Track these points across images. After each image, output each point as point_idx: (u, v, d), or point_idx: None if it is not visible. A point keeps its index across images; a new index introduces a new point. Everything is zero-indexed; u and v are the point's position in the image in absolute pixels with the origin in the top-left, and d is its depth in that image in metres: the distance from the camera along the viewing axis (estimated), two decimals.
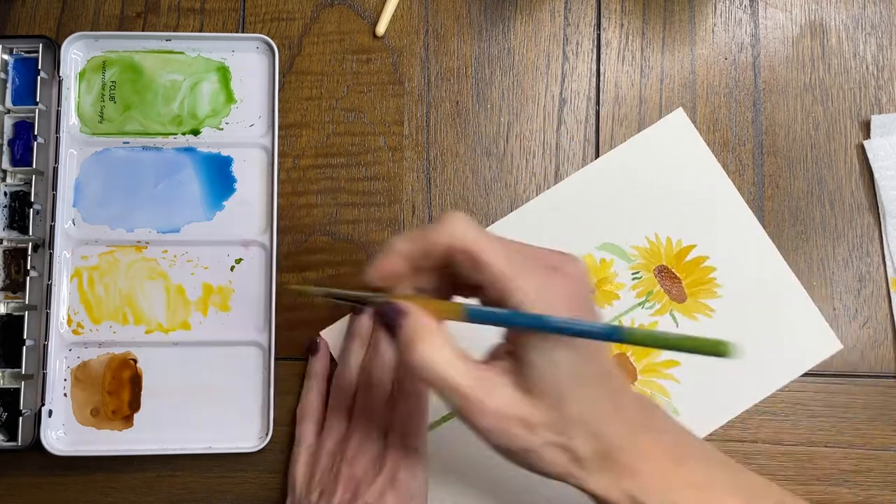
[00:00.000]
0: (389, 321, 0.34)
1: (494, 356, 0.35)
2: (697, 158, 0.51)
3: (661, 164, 0.51)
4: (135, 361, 0.50)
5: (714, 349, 0.28)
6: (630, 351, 0.50)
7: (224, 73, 0.52)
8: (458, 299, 0.36)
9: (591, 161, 0.52)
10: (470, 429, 0.34)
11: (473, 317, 0.34)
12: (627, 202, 0.51)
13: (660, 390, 0.49)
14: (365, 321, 0.49)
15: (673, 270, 0.50)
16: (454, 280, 0.35)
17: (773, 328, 0.50)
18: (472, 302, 0.35)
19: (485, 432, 0.34)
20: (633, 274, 0.50)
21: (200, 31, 0.53)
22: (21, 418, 0.47)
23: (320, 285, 0.51)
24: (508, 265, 0.33)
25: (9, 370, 0.48)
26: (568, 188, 0.51)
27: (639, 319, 0.50)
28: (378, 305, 0.35)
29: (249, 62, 0.52)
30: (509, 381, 0.34)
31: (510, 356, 0.34)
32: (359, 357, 0.48)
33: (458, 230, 0.33)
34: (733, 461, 0.37)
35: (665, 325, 0.50)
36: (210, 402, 0.49)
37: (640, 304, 0.50)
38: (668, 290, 0.50)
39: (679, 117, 0.51)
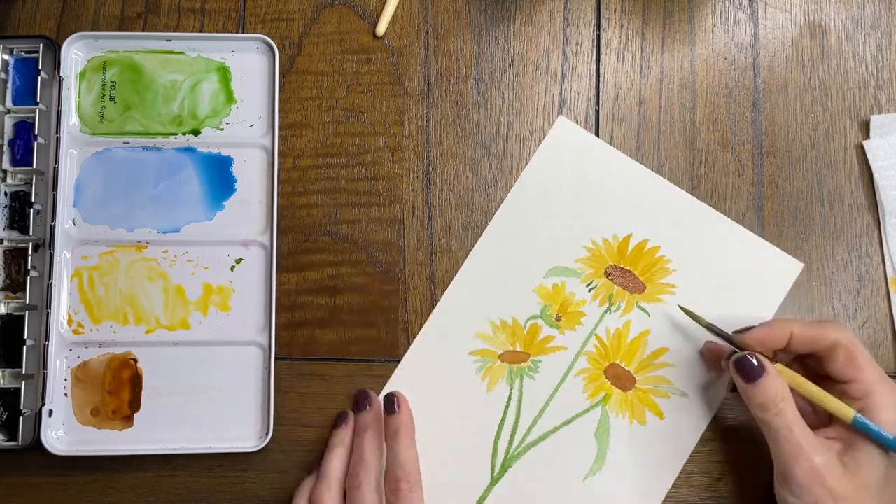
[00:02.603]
0: (754, 371, 0.43)
1: (826, 434, 0.43)
2: (597, 154, 0.51)
3: (568, 174, 0.51)
4: (135, 361, 0.50)
5: None
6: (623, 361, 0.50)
7: (224, 73, 0.52)
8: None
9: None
10: (781, 477, 0.42)
11: (857, 425, 0.42)
12: (554, 222, 0.51)
13: (661, 381, 0.50)
14: (346, 434, 0.48)
15: (622, 266, 0.51)
16: (804, 369, 0.45)
17: (734, 276, 0.50)
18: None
19: (798, 481, 0.41)
20: (587, 286, 0.50)
21: (201, 31, 0.53)
22: (21, 418, 0.47)
23: (323, 285, 0.51)
24: (877, 379, 0.42)
25: (9, 370, 0.48)
26: (495, 232, 0.51)
27: (612, 325, 0.50)
28: (744, 356, 0.44)
29: (249, 62, 0.52)
30: (835, 455, 0.41)
31: (841, 441, 0.42)
32: (342, 465, 0.47)
33: (846, 334, 0.43)
34: None
35: (637, 320, 0.50)
36: (210, 402, 0.49)
37: (606, 311, 0.50)
38: (626, 285, 0.50)
39: (563, 124, 0.51)
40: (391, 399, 0.48)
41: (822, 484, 0.40)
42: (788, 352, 0.45)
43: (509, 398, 0.49)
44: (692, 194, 0.51)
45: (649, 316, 0.50)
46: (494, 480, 0.49)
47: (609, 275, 0.50)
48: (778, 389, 0.42)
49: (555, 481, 0.49)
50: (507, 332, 0.50)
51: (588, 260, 0.51)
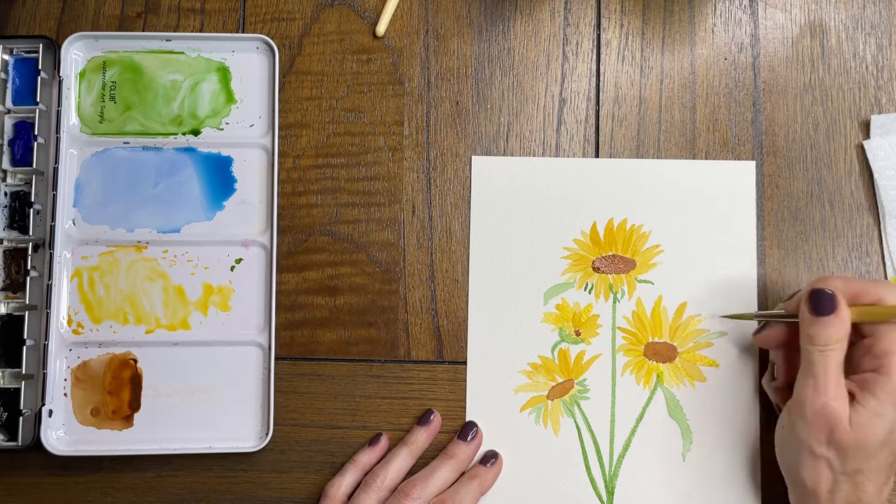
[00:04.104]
0: (825, 304, 0.42)
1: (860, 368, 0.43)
2: (524, 171, 0.51)
3: (510, 203, 0.51)
4: (135, 361, 0.50)
5: None
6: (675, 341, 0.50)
7: (224, 73, 0.52)
8: None
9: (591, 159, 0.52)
10: (796, 402, 0.42)
11: None
12: (526, 250, 0.51)
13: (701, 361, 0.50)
14: (422, 436, 0.48)
15: (604, 254, 0.51)
16: None
17: (703, 205, 0.51)
18: None
19: (804, 412, 0.41)
20: (586, 289, 0.50)
21: (200, 31, 0.53)
22: (21, 418, 0.47)
23: (323, 285, 0.51)
24: None
25: (9, 370, 0.48)
26: (479, 285, 0.51)
27: (627, 310, 0.50)
28: (822, 292, 0.43)
29: (249, 62, 0.52)
30: (847, 404, 0.41)
31: (851, 391, 0.42)
32: (403, 463, 0.48)
33: (892, 292, 0.42)
34: None
35: (646, 294, 0.50)
36: (210, 402, 0.49)
37: (615, 302, 0.50)
38: (617, 269, 0.51)
39: (480, 163, 0.51)
40: (492, 455, 0.49)
41: (826, 425, 0.41)
42: None
43: (578, 428, 0.50)
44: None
45: (653, 284, 0.50)
46: None
47: (597, 268, 0.51)
48: (841, 333, 0.42)
49: (659, 477, 0.49)
50: (543, 372, 0.50)
51: (572, 266, 0.51)
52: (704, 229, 0.51)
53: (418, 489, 0.46)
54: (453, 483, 0.47)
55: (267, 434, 0.48)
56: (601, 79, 0.53)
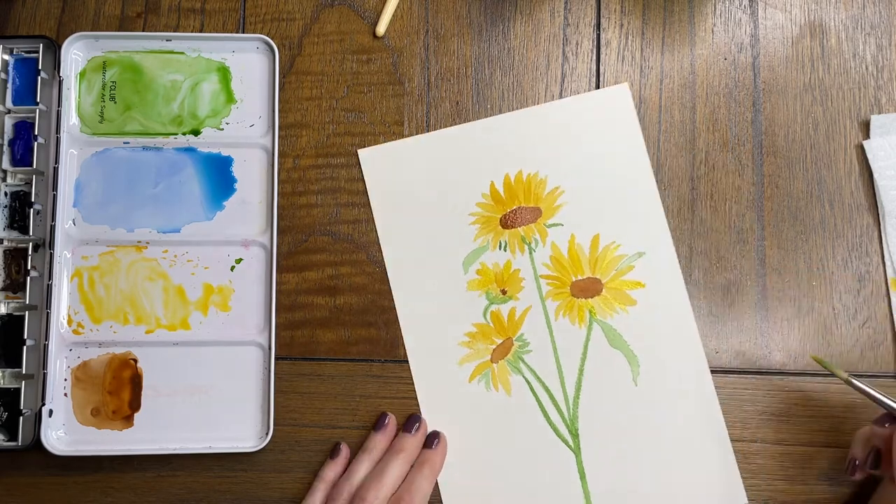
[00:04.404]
0: None
1: None
2: (409, 150, 0.52)
3: (404, 182, 0.52)
4: (135, 361, 0.50)
5: None
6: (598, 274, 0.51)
7: (224, 73, 0.52)
8: None
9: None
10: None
11: None
12: (433, 224, 0.51)
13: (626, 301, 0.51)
14: (381, 441, 0.49)
15: (508, 210, 0.51)
16: None
17: (590, 137, 0.52)
18: None
19: None
20: (500, 248, 0.51)
21: (201, 31, 0.53)
22: (21, 418, 0.47)
23: (323, 285, 0.51)
24: None
25: (9, 370, 0.48)
26: (397, 268, 0.51)
27: (545, 257, 0.51)
28: None
29: (249, 62, 0.52)
30: None
31: None
32: (365, 471, 0.48)
33: None
34: None
35: (558, 236, 0.51)
36: (210, 402, 0.49)
37: (531, 252, 0.51)
38: (524, 220, 0.51)
39: (365, 154, 0.52)
40: (434, 436, 0.49)
41: None
42: None
43: (528, 383, 0.50)
44: (691, 194, 0.51)
45: (563, 226, 0.51)
46: (577, 451, 0.49)
47: (506, 224, 0.51)
48: None
49: (618, 406, 0.49)
50: (481, 338, 0.50)
51: (482, 229, 0.51)
52: (597, 160, 0.52)
53: (373, 491, 0.46)
54: (407, 476, 0.48)
55: (267, 434, 0.48)
56: (601, 79, 0.53)
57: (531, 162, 0.51)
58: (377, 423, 0.49)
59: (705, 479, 0.49)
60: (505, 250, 0.51)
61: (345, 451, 0.49)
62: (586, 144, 0.52)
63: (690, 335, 0.50)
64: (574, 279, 0.51)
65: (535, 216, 0.51)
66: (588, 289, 0.51)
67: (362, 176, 0.52)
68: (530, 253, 0.51)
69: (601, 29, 0.53)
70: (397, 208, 0.51)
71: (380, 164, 0.52)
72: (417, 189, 0.51)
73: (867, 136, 0.52)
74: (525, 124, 0.52)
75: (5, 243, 0.50)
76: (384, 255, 0.51)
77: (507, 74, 0.53)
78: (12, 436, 0.48)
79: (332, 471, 0.48)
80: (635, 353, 0.50)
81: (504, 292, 0.50)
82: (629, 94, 0.52)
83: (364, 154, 0.52)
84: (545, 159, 0.52)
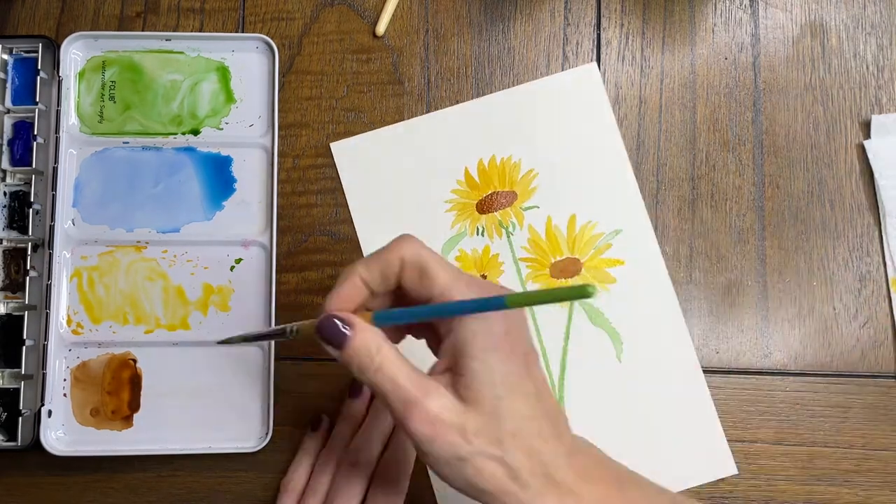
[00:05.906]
0: (334, 333, 0.35)
1: (435, 371, 0.36)
2: (385, 141, 0.51)
3: (378, 173, 0.51)
4: (134, 361, 0.50)
5: (580, 293, 0.28)
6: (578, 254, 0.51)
7: (224, 72, 0.52)
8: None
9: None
10: (409, 436, 0.34)
11: (380, 320, 0.35)
12: (409, 213, 0.51)
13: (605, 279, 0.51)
14: (359, 405, 0.49)
15: (484, 195, 0.51)
16: (404, 302, 0.37)
17: (561, 118, 0.52)
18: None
19: (422, 438, 0.34)
20: (478, 234, 0.51)
21: (200, 30, 0.53)
22: (21, 418, 0.47)
23: (323, 285, 0.51)
24: (453, 279, 0.35)
25: (8, 370, 0.48)
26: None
27: (523, 241, 0.51)
28: (321, 321, 0.36)
29: (249, 62, 0.52)
30: (449, 391, 0.34)
31: (449, 371, 0.35)
32: (346, 441, 0.48)
33: (410, 248, 0.36)
34: (669, 490, 0.38)
35: (535, 219, 0.51)
36: (210, 402, 0.49)
37: (508, 237, 0.51)
38: (501, 204, 0.51)
39: (338, 147, 0.51)
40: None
41: (448, 429, 0.34)
42: (382, 299, 0.38)
43: None
44: (691, 194, 0.51)
45: (539, 208, 0.51)
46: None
47: (482, 210, 0.51)
48: (369, 342, 0.35)
49: (604, 385, 0.50)
50: None
51: (459, 216, 0.51)
52: (569, 140, 0.52)
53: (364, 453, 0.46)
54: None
55: (267, 434, 0.48)
56: (601, 79, 0.53)
57: (504, 146, 0.52)
58: (351, 390, 0.49)
59: (693, 450, 0.49)
60: (483, 235, 0.51)
61: (325, 422, 0.49)
62: (557, 126, 0.52)
63: (672, 309, 0.50)
64: (553, 260, 0.51)
65: (511, 200, 0.51)
66: (567, 269, 0.51)
67: None
68: (508, 237, 0.51)
69: (601, 29, 0.53)
70: (373, 200, 0.51)
71: (352, 156, 0.52)
72: (392, 179, 0.51)
73: (868, 135, 0.52)
74: (496, 109, 0.52)
75: (4, 243, 0.50)
76: (363, 250, 0.51)
77: (507, 74, 0.53)
78: (12, 436, 0.48)
79: (315, 442, 0.48)
80: (618, 330, 0.50)
81: (484, 277, 0.51)
82: (598, 72, 0.52)
83: (336, 147, 0.52)
84: (517, 143, 0.52)
